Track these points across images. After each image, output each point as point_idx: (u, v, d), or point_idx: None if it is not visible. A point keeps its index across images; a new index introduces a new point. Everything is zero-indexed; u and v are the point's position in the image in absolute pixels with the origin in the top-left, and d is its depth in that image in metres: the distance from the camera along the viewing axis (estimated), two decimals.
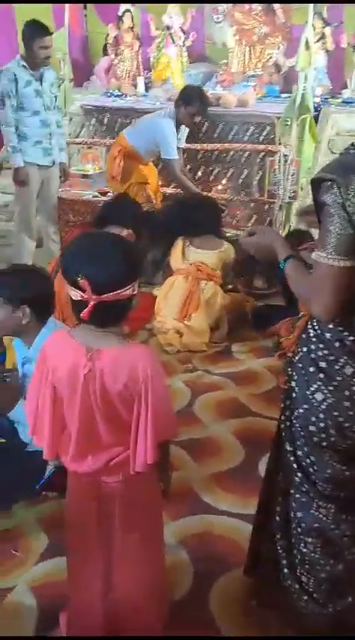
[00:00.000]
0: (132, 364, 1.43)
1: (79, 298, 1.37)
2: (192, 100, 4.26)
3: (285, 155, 4.42)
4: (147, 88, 6.38)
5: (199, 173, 5.33)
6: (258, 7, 6.40)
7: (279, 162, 4.47)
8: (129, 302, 1.45)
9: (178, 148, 4.54)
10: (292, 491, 1.58)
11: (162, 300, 3.74)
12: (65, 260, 1.44)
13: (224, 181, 5.29)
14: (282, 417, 1.59)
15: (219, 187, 5.32)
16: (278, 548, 1.66)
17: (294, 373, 1.53)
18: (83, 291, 1.36)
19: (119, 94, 5.99)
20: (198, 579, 2.03)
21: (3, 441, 2.46)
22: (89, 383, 1.44)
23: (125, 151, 4.42)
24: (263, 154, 4.94)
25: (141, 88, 6.31)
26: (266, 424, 2.82)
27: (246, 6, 6.41)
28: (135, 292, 1.46)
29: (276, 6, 6.35)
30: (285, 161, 4.44)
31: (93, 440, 1.52)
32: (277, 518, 1.66)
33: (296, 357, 1.53)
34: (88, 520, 1.63)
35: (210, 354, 3.55)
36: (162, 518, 1.79)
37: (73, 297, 1.40)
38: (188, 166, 5.32)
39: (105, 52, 6.87)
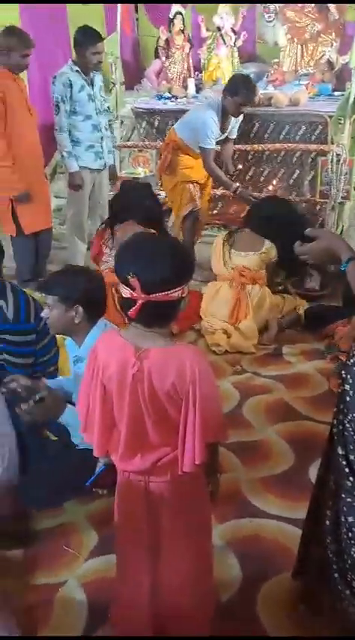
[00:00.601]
0: (179, 364, 1.44)
1: (129, 296, 1.40)
2: (239, 89, 4.12)
3: (338, 154, 4.36)
4: (197, 90, 6.39)
5: (250, 174, 5.31)
6: (310, 3, 6.31)
7: (332, 161, 4.40)
8: (178, 304, 1.47)
9: (229, 138, 4.50)
10: (343, 496, 1.55)
11: (208, 305, 3.74)
12: (118, 257, 1.46)
13: (275, 182, 5.25)
14: (335, 421, 1.57)
15: (270, 188, 5.28)
16: (329, 552, 1.64)
17: (349, 376, 1.50)
18: (133, 289, 1.38)
19: (170, 96, 6.02)
20: (246, 581, 2.03)
21: (55, 438, 2.53)
22: (137, 382, 1.46)
23: (174, 144, 4.42)
24: (314, 153, 4.87)
25: (191, 89, 6.32)
26: (317, 428, 2.77)
27: (299, 3, 6.33)
28: (185, 294, 1.47)
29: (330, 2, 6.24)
30: (338, 160, 4.37)
31: (141, 439, 1.54)
32: (327, 522, 1.64)
33: (352, 360, 1.50)
34: (136, 519, 1.65)
35: (259, 356, 3.52)
36: (210, 519, 1.79)
37: (123, 294, 1.43)
38: (239, 167, 5.30)
39: (156, 55, 6.93)
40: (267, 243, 3.79)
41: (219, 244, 3.87)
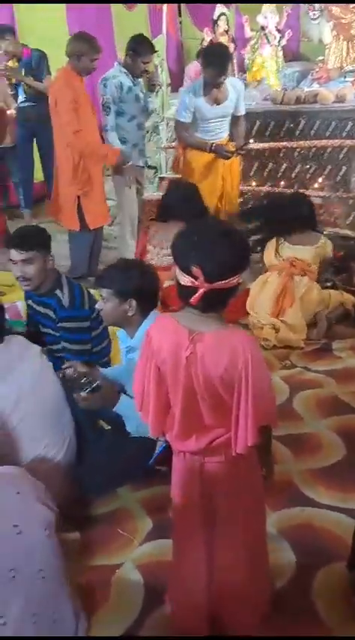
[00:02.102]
0: (232, 347, 1.47)
1: (189, 284, 1.44)
2: (211, 59, 4.13)
3: None
4: None
5: (296, 171, 5.30)
6: None
7: None
8: (235, 289, 1.51)
9: (237, 116, 4.44)
10: None
11: (255, 296, 3.75)
12: (179, 247, 1.50)
13: (321, 179, 5.22)
14: None
15: (316, 185, 5.25)
16: None
17: None
18: (195, 278, 1.43)
19: None
20: (300, 570, 2.03)
21: (108, 427, 2.60)
22: (191, 365, 1.50)
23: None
24: None
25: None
26: None
27: None
28: (241, 281, 1.51)
29: None
30: None
31: (195, 420, 1.58)
32: None
33: None
34: (191, 501, 1.69)
35: (308, 351, 3.51)
36: (264, 503, 1.82)
37: (182, 283, 1.47)
38: (284, 165, 5.30)
39: (197, 56, 6.98)
40: (323, 238, 3.79)
41: (272, 245, 3.89)
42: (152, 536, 2.21)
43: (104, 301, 2.34)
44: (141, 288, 2.33)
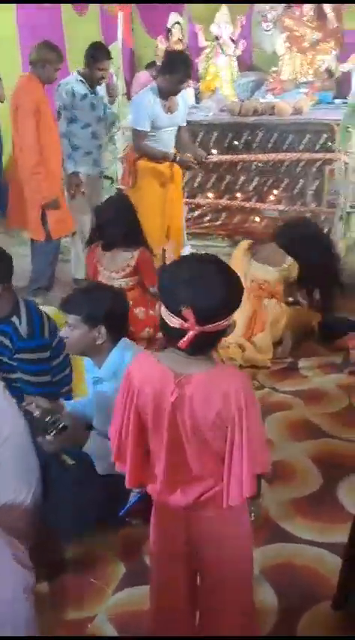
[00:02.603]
0: (225, 389, 1.35)
1: (178, 327, 1.31)
2: (174, 66, 3.96)
3: (346, 163, 4.31)
4: (197, 99, 6.36)
5: (253, 184, 5.26)
6: (309, 12, 6.35)
7: (339, 170, 4.36)
8: (225, 330, 1.39)
9: (180, 126, 4.32)
10: None
11: None
12: (167, 286, 1.36)
13: (279, 192, 5.20)
14: None
15: (273, 198, 5.24)
16: None
17: None
18: (184, 320, 1.30)
19: None
20: (283, 614, 1.93)
21: (72, 462, 2.41)
22: (177, 410, 1.38)
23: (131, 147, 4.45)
24: (319, 162, 4.83)
25: (191, 99, 6.28)
26: (343, 447, 2.70)
27: (297, 12, 6.34)
28: (232, 321, 1.39)
29: (328, 10, 6.25)
30: (346, 169, 4.33)
31: (182, 471, 1.45)
32: None
33: None
34: (174, 551, 1.56)
35: (275, 370, 3.44)
36: (251, 547, 1.71)
37: (170, 324, 1.33)
38: (242, 177, 5.25)
39: (148, 67, 6.90)
40: (289, 260, 3.66)
41: (240, 253, 3.78)
42: (126, 583, 2.07)
43: (70, 328, 2.19)
44: (111, 314, 2.19)
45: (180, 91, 4.09)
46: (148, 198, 4.19)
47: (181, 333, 1.31)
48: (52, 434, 1.98)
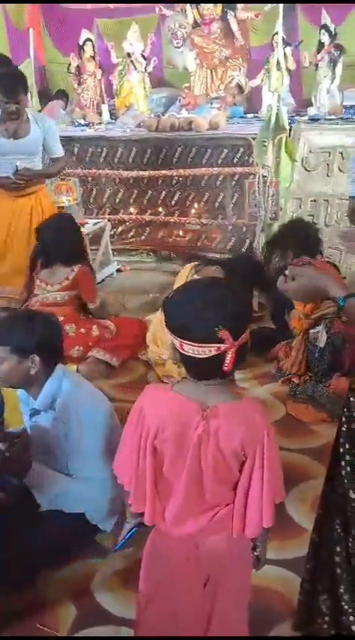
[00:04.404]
0: (249, 421, 1.36)
1: (215, 353, 1.26)
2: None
3: (264, 176, 4.40)
4: (111, 115, 6.34)
5: (175, 198, 5.28)
6: (217, 30, 6.49)
7: (258, 183, 4.45)
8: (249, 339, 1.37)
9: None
10: None
11: (158, 333, 3.61)
12: (192, 318, 1.29)
13: (200, 205, 5.25)
14: (342, 462, 1.49)
15: (194, 212, 5.28)
16: (342, 602, 1.55)
17: None
18: (221, 342, 1.25)
19: (86, 123, 5.91)
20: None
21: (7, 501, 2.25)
22: (202, 443, 1.33)
23: None
24: (238, 175, 4.92)
25: (106, 115, 6.27)
26: (284, 457, 2.70)
27: (206, 30, 6.47)
28: None
29: (235, 28, 6.44)
30: (264, 182, 4.42)
31: (196, 502, 1.41)
32: (338, 570, 1.55)
33: None
34: (176, 584, 1.49)
35: None
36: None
37: (204, 355, 1.27)
38: (163, 192, 5.26)
39: (58, 95, 6.81)
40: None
41: (184, 274, 3.74)
42: (78, 627, 1.95)
43: (0, 361, 2.06)
44: (44, 342, 2.08)
45: (11, 112, 3.62)
46: None
47: (216, 360, 1.27)
48: None
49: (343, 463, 1.49)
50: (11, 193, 3.88)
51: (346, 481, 1.48)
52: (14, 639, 1.88)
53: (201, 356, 1.28)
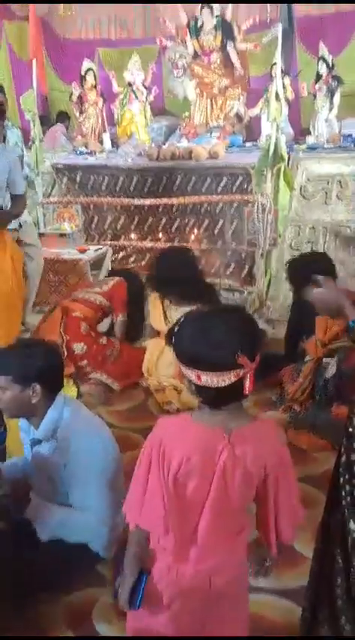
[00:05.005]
0: (271, 440, 1.40)
1: (234, 379, 1.28)
2: None
3: (263, 204, 4.47)
4: (113, 144, 6.45)
5: (175, 225, 5.35)
6: (216, 60, 6.62)
7: (257, 211, 4.52)
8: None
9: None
10: None
11: (153, 364, 3.62)
12: (210, 348, 1.29)
13: (200, 232, 5.32)
14: (342, 492, 1.50)
15: (192, 238, 5.34)
16: (343, 633, 1.54)
17: None
18: (240, 367, 1.27)
19: (87, 151, 6.01)
20: None
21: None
22: (227, 469, 1.34)
23: None
24: (237, 203, 4.99)
25: (107, 143, 6.38)
26: None
27: (205, 60, 6.61)
28: None
29: (234, 59, 6.56)
30: (263, 210, 4.49)
31: (220, 532, 1.41)
32: (339, 601, 1.55)
33: None
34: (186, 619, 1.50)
35: None
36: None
37: (223, 383, 1.29)
38: (164, 219, 5.33)
39: (59, 119, 6.91)
40: (205, 294, 3.72)
41: (155, 299, 3.78)
42: None
43: (2, 390, 2.07)
44: (45, 371, 2.09)
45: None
46: None
47: (234, 386, 1.29)
48: None
49: (343, 493, 1.50)
50: None
51: (346, 511, 1.49)
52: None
53: (221, 385, 1.28)
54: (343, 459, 1.51)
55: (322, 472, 2.76)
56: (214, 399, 1.34)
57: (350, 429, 1.48)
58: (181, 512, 1.39)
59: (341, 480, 1.50)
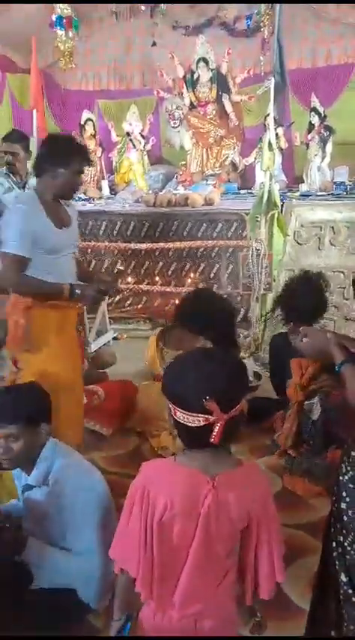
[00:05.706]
0: (255, 485, 1.40)
1: (204, 423, 1.29)
2: (66, 155, 2.59)
3: (258, 249, 4.55)
4: (110, 191, 6.58)
5: (172, 269, 5.42)
6: (212, 111, 6.83)
7: (252, 256, 4.59)
8: (243, 413, 1.40)
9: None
10: (352, 627, 1.45)
11: (147, 407, 3.61)
12: (183, 387, 1.34)
13: (196, 275, 5.38)
14: (333, 543, 1.49)
15: (189, 281, 5.40)
16: None
17: (344, 493, 1.45)
18: (209, 413, 1.28)
19: (86, 197, 6.13)
20: None
21: None
22: (211, 513, 1.34)
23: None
24: (232, 248, 5.08)
25: (105, 190, 6.51)
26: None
27: (201, 112, 6.81)
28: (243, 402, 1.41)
29: (229, 110, 6.77)
30: (258, 255, 4.56)
31: (204, 576, 1.39)
32: None
33: (346, 477, 1.45)
34: None
35: None
36: None
37: (192, 424, 1.31)
38: (160, 263, 5.41)
39: None
40: (201, 340, 3.71)
41: (152, 344, 3.81)
42: None
43: (13, 441, 2.00)
44: (48, 407, 2.11)
45: (77, 190, 2.80)
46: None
47: (206, 429, 1.30)
48: None
49: (334, 544, 1.48)
50: None
51: (337, 562, 1.47)
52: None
53: (191, 424, 1.31)
54: (334, 507, 1.50)
55: (318, 519, 2.71)
56: (187, 438, 1.37)
57: (340, 477, 1.48)
58: (166, 556, 1.38)
59: (333, 529, 1.49)
